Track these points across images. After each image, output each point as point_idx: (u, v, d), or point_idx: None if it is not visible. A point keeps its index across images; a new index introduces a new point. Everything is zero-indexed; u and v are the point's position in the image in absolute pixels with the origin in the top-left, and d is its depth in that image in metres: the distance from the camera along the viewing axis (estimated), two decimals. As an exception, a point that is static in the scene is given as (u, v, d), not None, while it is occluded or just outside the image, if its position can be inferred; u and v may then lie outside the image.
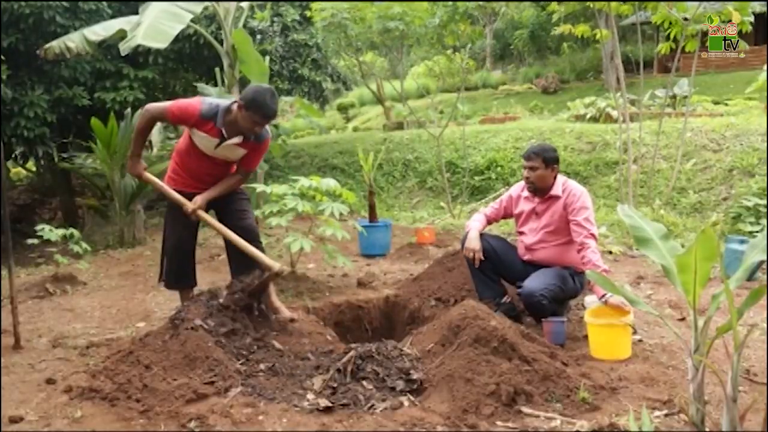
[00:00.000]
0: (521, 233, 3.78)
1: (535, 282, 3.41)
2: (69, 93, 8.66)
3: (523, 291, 3.42)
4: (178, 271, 3.79)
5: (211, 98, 3.53)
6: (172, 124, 3.58)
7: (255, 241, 3.60)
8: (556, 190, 3.58)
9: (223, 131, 3.40)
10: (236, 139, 3.43)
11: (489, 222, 3.91)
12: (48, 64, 8.33)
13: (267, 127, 3.52)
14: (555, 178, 3.61)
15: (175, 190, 3.60)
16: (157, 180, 3.62)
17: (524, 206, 3.75)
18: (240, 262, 3.65)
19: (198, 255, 3.95)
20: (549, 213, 3.60)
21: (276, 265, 3.31)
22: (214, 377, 2.68)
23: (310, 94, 11.47)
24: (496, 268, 3.73)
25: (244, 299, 3.21)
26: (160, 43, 6.28)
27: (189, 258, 3.83)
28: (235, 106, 3.35)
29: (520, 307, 3.78)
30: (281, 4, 10.63)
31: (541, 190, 3.62)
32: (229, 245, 3.65)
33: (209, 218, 3.51)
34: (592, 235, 3.44)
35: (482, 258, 3.63)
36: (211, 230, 7.13)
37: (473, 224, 3.80)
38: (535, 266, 3.62)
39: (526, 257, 3.70)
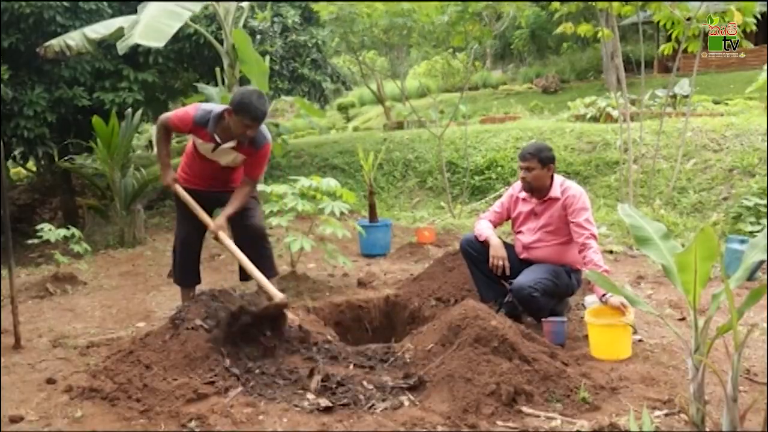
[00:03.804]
0: (519, 232, 3.77)
1: (525, 277, 3.41)
2: (69, 93, 8.66)
3: (514, 286, 3.42)
4: (183, 267, 3.87)
5: (207, 105, 3.59)
6: (174, 131, 3.70)
7: (262, 240, 3.69)
8: (555, 191, 3.56)
9: (216, 137, 3.44)
10: (230, 144, 3.48)
11: (494, 228, 3.90)
12: (48, 64, 8.33)
13: (266, 133, 3.55)
14: (552, 178, 3.60)
15: (185, 187, 3.71)
16: (183, 192, 3.67)
17: (522, 208, 3.73)
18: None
19: (199, 254, 3.97)
20: (548, 214, 3.59)
21: (279, 295, 3.26)
22: (214, 377, 2.68)
23: (310, 94, 11.47)
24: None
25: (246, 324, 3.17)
26: (157, 42, 6.27)
27: (195, 255, 3.90)
28: (225, 112, 3.38)
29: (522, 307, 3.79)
30: (281, 4, 10.63)
31: (538, 191, 3.60)
32: (241, 247, 3.70)
33: (228, 241, 3.53)
34: (593, 235, 3.43)
35: (507, 269, 3.58)
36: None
37: (487, 231, 3.72)
38: (531, 264, 3.61)
39: (523, 256, 3.69)
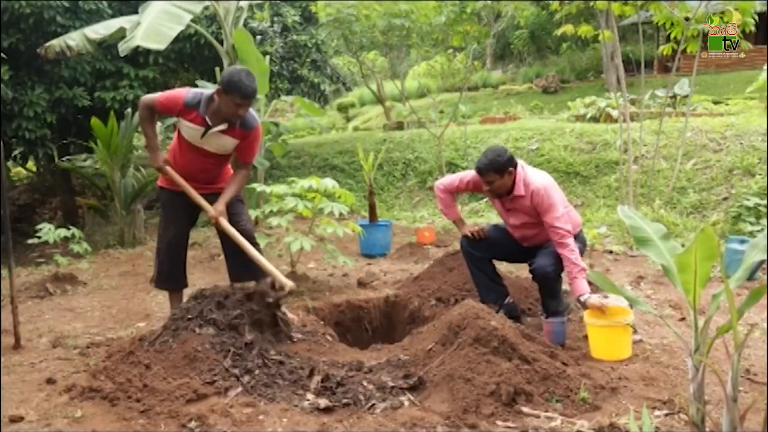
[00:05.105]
0: (506, 223, 3.77)
1: (544, 260, 3.43)
2: (69, 93, 8.66)
3: (536, 267, 3.46)
4: (171, 272, 3.77)
5: (197, 89, 3.54)
6: (160, 114, 3.60)
7: (251, 243, 3.57)
8: (519, 189, 3.47)
9: (207, 119, 3.38)
10: (221, 126, 3.41)
11: (456, 194, 3.92)
12: (48, 64, 8.33)
13: (255, 115, 3.51)
14: (515, 177, 3.48)
15: (171, 189, 3.62)
16: (176, 174, 3.54)
17: (495, 199, 3.71)
18: (238, 264, 3.68)
19: (198, 255, 3.96)
20: (520, 210, 3.55)
21: (288, 284, 3.25)
22: (214, 377, 2.68)
23: (309, 95, 11.47)
24: (500, 257, 3.79)
25: (257, 312, 3.17)
26: (159, 45, 6.27)
27: (181, 258, 3.80)
28: (215, 94, 3.35)
29: (521, 308, 3.80)
30: (281, 4, 10.63)
31: (505, 194, 3.55)
32: (226, 244, 3.65)
33: (228, 226, 3.47)
34: (567, 233, 3.36)
35: (484, 234, 3.72)
36: (213, 230, 7.14)
37: (452, 212, 3.88)
38: (536, 247, 3.61)
39: (525, 244, 3.69)
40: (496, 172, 3.42)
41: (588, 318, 3.17)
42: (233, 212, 3.62)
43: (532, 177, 3.49)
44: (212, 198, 3.55)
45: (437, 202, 3.90)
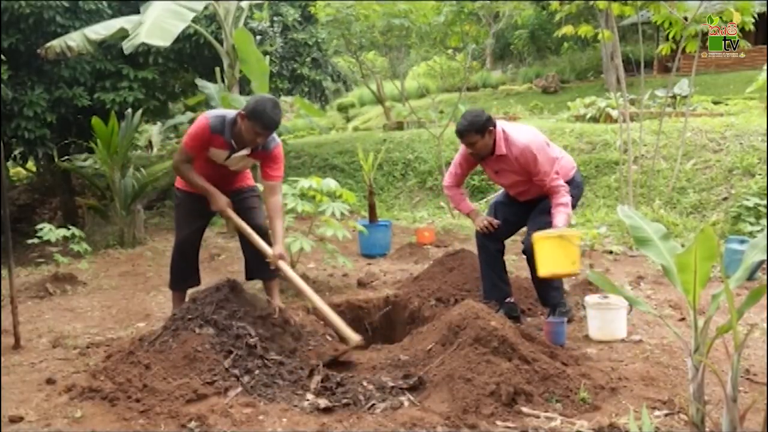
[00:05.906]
0: (499, 184, 3.84)
1: (532, 230, 3.46)
2: (69, 93, 8.66)
3: (527, 244, 3.49)
4: (177, 271, 3.81)
5: (216, 111, 3.54)
6: (195, 152, 3.47)
7: (264, 239, 3.62)
8: (500, 149, 3.48)
9: (233, 143, 3.40)
10: (245, 151, 3.44)
11: (461, 183, 3.93)
12: (48, 64, 8.33)
13: (274, 135, 3.51)
14: (495, 137, 3.49)
15: (187, 191, 3.64)
16: (239, 219, 3.51)
17: (483, 163, 3.71)
18: (254, 263, 3.72)
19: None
20: (508, 170, 3.57)
21: (355, 338, 3.17)
22: (214, 377, 2.68)
23: (310, 94, 11.46)
24: (516, 229, 3.83)
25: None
26: (163, 41, 6.30)
27: (191, 259, 3.84)
28: (238, 117, 3.35)
29: (521, 308, 3.80)
30: (281, 3, 10.63)
31: (488, 154, 3.56)
32: (245, 243, 3.67)
33: (289, 271, 3.45)
34: (564, 190, 3.43)
35: (496, 224, 3.69)
36: (213, 230, 7.14)
37: (463, 207, 3.88)
38: (533, 203, 3.64)
39: (522, 199, 3.71)
40: (477, 132, 3.44)
41: (536, 235, 3.24)
42: (250, 207, 3.67)
43: (515, 136, 3.50)
44: (229, 197, 3.58)
45: (450, 201, 3.95)
